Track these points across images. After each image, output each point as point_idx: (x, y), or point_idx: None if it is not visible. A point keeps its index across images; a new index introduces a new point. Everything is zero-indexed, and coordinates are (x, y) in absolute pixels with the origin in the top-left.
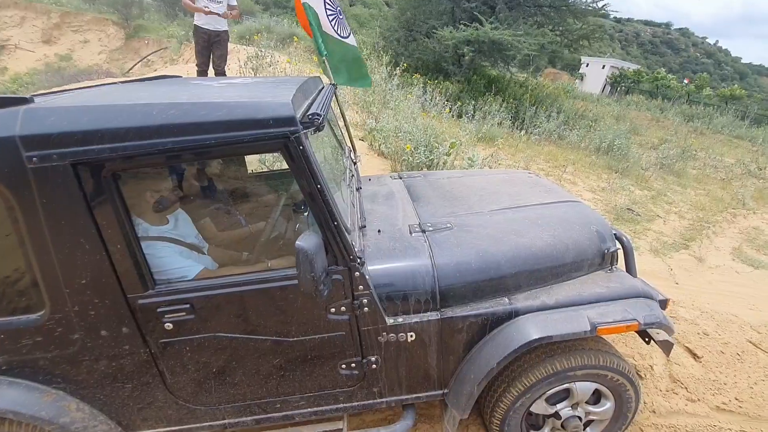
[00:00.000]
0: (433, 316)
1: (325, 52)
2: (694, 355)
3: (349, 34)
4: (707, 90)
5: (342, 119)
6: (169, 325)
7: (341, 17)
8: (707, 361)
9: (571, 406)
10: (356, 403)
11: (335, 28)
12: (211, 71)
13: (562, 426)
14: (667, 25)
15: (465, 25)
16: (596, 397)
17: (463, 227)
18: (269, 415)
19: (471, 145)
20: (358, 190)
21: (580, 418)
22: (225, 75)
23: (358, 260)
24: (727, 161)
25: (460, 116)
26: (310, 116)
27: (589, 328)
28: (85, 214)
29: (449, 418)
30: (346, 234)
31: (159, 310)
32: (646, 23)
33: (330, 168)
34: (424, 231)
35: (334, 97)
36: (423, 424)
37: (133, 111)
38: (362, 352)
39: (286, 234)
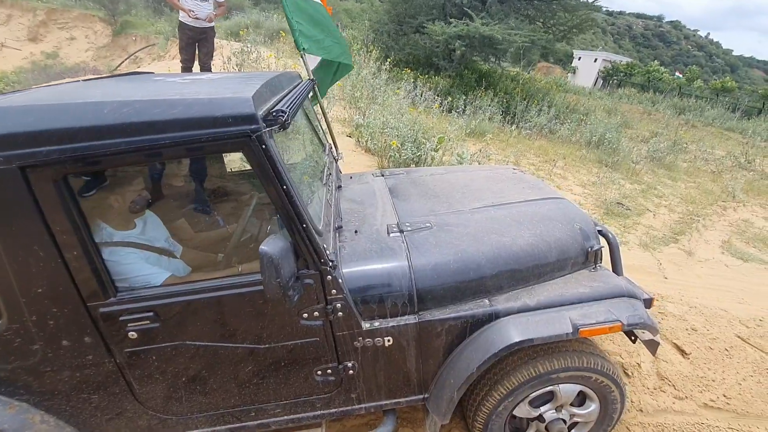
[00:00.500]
0: (410, 319)
1: (304, 47)
2: (682, 352)
3: None
4: (698, 82)
5: (322, 115)
6: (133, 334)
7: None
8: (695, 358)
9: (555, 409)
10: (334, 410)
11: None
12: (197, 68)
13: (546, 429)
14: (659, 17)
15: (456, 20)
16: (581, 399)
17: (443, 226)
18: (244, 424)
19: (460, 141)
20: (338, 188)
21: (564, 421)
22: (211, 71)
23: (330, 264)
24: (718, 153)
25: (450, 111)
26: (274, 113)
27: (571, 330)
28: (37, 219)
29: (431, 423)
30: (316, 237)
31: (122, 318)
32: (638, 16)
33: (306, 167)
34: (402, 231)
35: (312, 92)
36: (405, 428)
37: (83, 110)
38: (338, 358)
39: (259, 236)
